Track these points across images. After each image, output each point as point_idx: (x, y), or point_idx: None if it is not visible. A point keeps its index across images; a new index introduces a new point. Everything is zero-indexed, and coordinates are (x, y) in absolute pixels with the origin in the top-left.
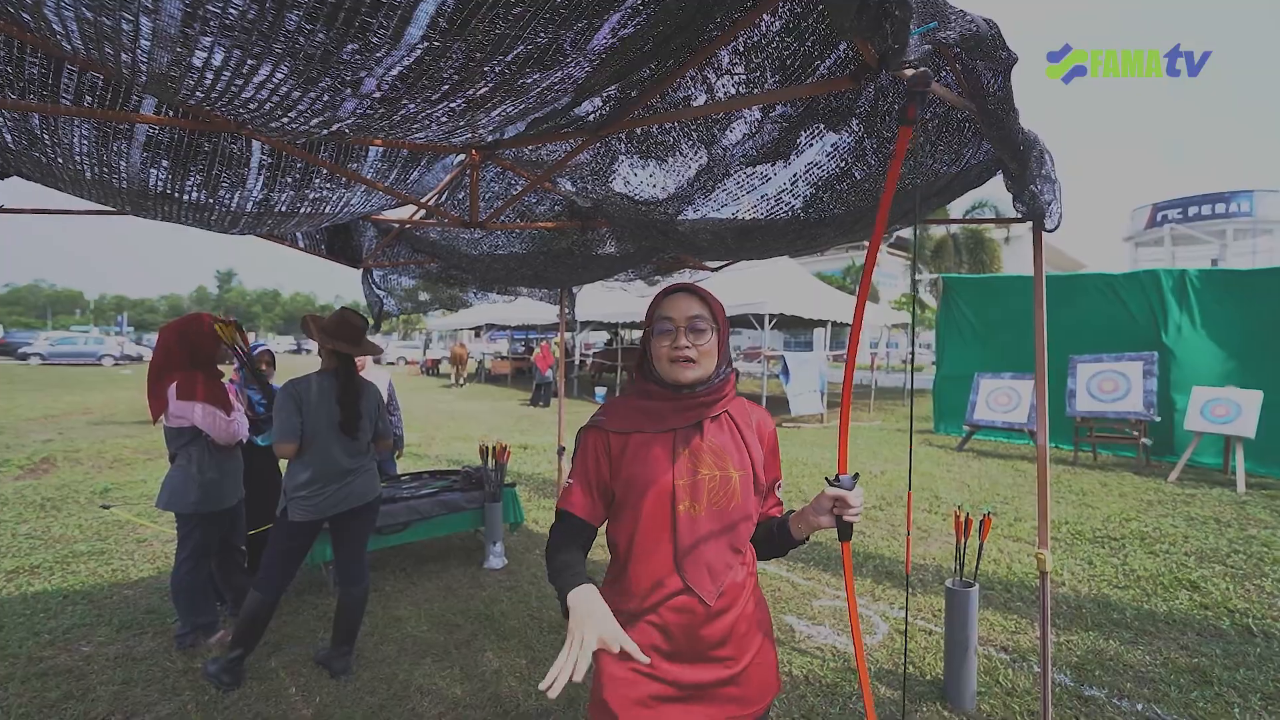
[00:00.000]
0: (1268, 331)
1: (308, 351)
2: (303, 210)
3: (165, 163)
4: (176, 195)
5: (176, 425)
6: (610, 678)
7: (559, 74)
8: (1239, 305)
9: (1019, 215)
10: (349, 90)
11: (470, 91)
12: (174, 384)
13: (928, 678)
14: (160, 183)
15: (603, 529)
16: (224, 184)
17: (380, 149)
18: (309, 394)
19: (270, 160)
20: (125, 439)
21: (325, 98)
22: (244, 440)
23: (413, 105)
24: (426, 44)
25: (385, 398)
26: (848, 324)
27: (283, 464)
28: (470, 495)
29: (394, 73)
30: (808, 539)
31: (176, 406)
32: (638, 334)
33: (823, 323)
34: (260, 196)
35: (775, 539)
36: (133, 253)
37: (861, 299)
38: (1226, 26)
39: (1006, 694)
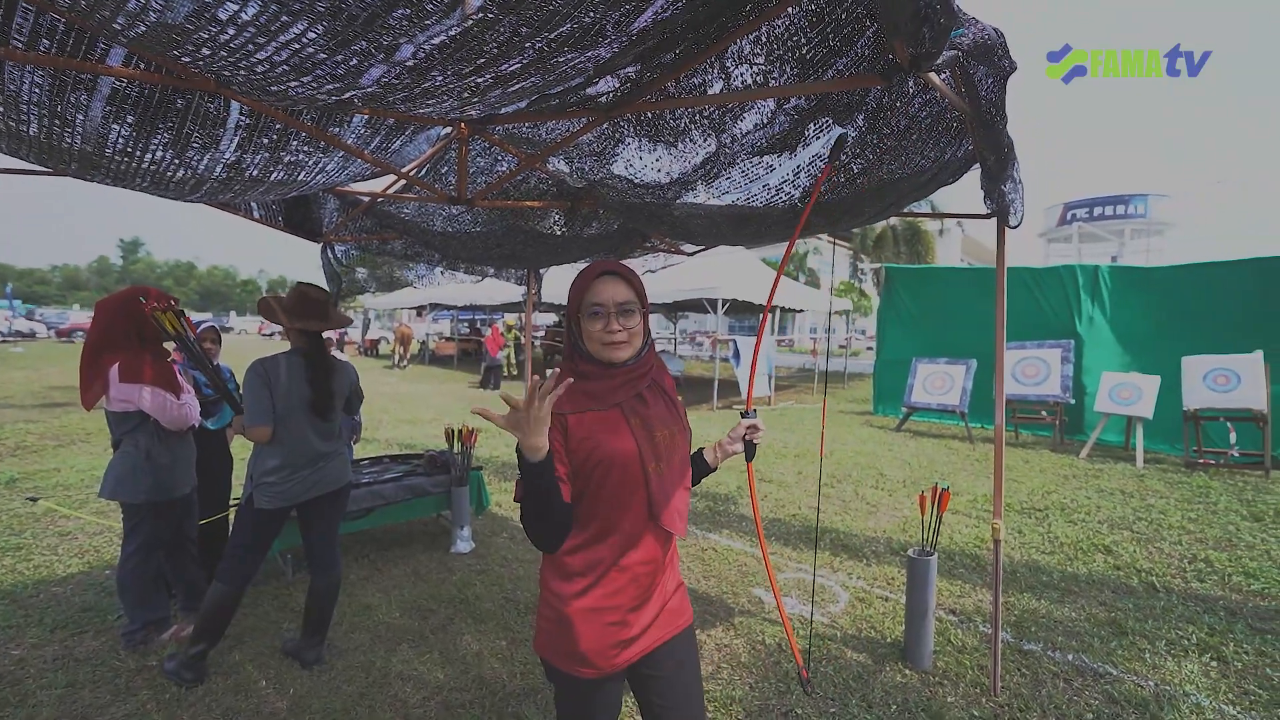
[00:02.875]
0: (1166, 322)
1: (236, 331)
2: (274, 176)
3: (130, 119)
4: (138, 154)
5: (121, 410)
6: (584, 633)
7: (590, 54)
8: (1143, 298)
9: (989, 211)
10: (381, 56)
11: (503, 67)
12: (116, 365)
13: (888, 640)
14: (121, 140)
15: None
16: (194, 144)
17: (366, 116)
18: (278, 374)
19: (248, 121)
20: (26, 424)
21: (353, 63)
22: (195, 425)
23: (440, 78)
24: (480, 14)
25: None
26: (791, 310)
27: (234, 447)
28: (436, 479)
29: (435, 41)
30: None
31: (120, 390)
32: None
33: (770, 309)
34: (231, 159)
35: (693, 472)
36: (15, 217)
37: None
38: (1227, 26)
39: (958, 652)
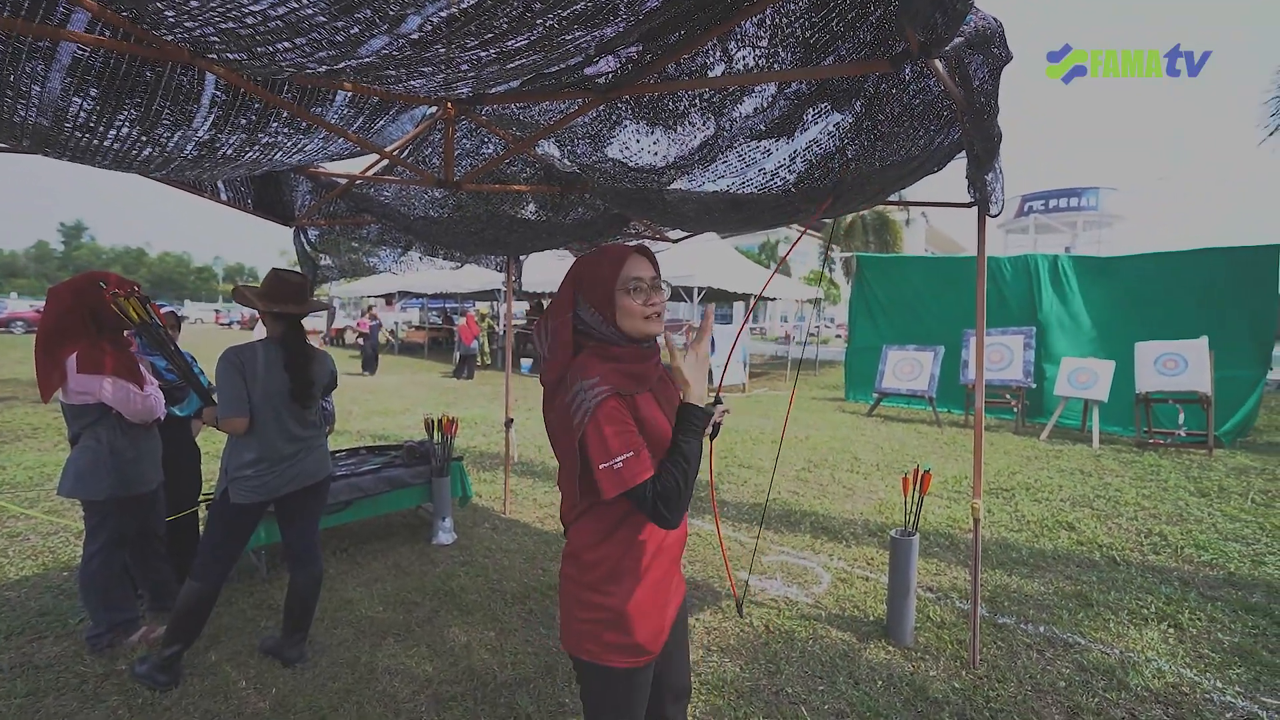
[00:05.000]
0: (1121, 309)
1: (191, 320)
2: (249, 155)
3: (94, 91)
4: (101, 130)
5: (79, 402)
6: (640, 625)
7: (597, 33)
8: (1100, 287)
9: (971, 200)
10: (385, 26)
11: (510, 43)
12: (74, 355)
13: (870, 618)
14: (83, 115)
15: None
16: (165, 121)
17: (349, 93)
18: (254, 363)
19: (224, 97)
20: None
21: (353, 30)
22: (161, 417)
23: (444, 51)
24: None
25: None
26: (766, 298)
27: (201, 439)
28: (416, 470)
29: (445, 14)
30: None
31: (79, 382)
32: None
33: (744, 296)
34: (205, 137)
35: None
36: None
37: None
38: (1226, 26)
39: (937, 627)
